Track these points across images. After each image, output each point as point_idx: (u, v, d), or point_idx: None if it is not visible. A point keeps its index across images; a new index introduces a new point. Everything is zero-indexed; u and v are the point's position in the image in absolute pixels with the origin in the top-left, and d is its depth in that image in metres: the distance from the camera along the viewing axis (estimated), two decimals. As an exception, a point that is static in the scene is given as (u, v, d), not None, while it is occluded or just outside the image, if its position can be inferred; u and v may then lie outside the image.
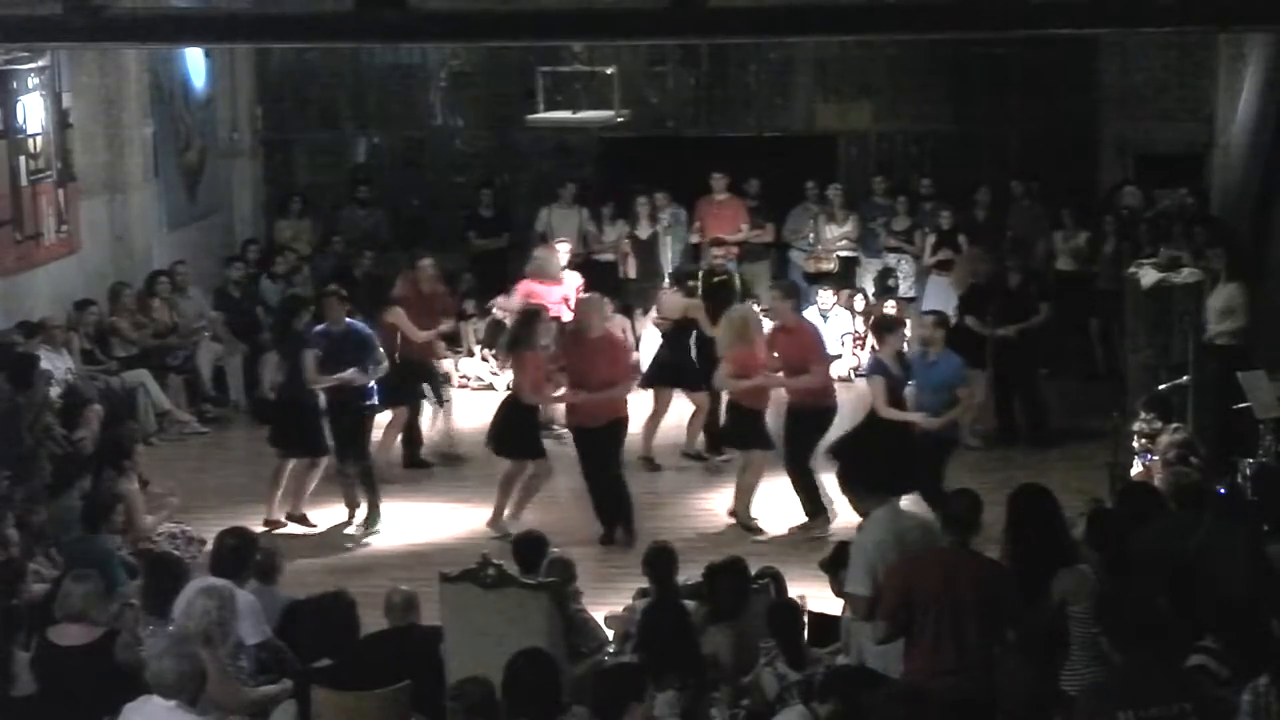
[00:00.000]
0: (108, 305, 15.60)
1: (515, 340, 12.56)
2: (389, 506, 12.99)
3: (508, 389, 13.21)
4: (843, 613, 8.85)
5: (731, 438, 13.11)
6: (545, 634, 8.53)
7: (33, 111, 14.82)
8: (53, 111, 15.18)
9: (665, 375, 14.34)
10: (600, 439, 12.32)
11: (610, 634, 9.28)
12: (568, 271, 15.54)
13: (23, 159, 14.63)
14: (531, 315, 12.77)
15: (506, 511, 12.37)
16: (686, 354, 14.23)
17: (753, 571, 9.39)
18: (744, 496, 12.65)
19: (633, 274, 17.56)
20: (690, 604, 8.92)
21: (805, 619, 8.95)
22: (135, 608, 8.79)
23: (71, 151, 15.56)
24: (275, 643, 8.48)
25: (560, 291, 14.99)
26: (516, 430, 12.41)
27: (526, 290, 14.87)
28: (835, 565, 8.77)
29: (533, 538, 9.77)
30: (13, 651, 8.27)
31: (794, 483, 12.53)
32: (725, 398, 13.25)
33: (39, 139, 14.94)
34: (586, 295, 13.64)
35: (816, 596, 9.47)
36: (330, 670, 7.90)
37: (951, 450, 12.38)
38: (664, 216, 17.61)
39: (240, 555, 8.79)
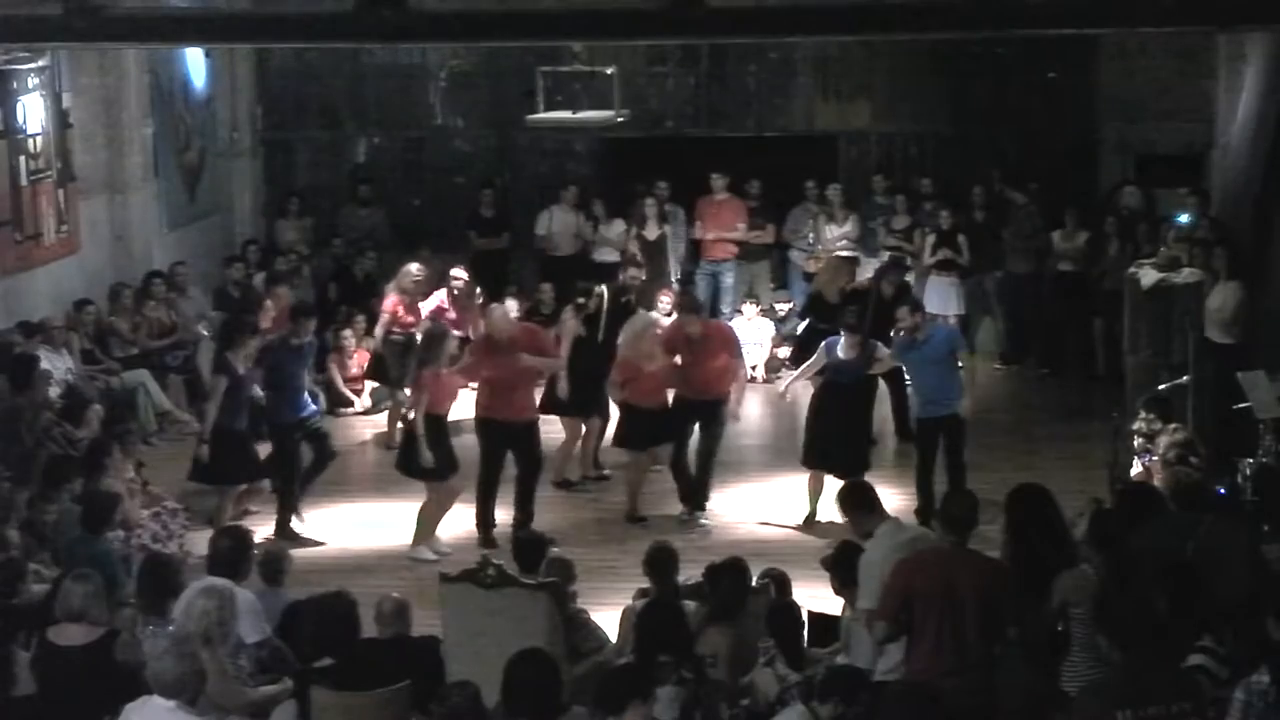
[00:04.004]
0: (107, 305, 15.61)
1: (422, 361, 12.33)
2: (391, 506, 13.03)
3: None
4: (843, 613, 8.86)
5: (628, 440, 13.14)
6: (545, 634, 8.54)
7: (33, 111, 14.83)
8: (53, 111, 15.18)
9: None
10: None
11: (617, 630, 9.25)
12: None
13: (23, 159, 14.64)
14: (438, 336, 12.67)
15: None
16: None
17: (756, 572, 9.40)
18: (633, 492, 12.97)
19: (641, 276, 17.52)
20: (690, 604, 8.92)
21: (805, 619, 8.97)
22: (135, 608, 8.79)
23: (71, 151, 15.57)
24: (275, 642, 8.47)
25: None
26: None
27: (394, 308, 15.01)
28: (837, 564, 8.78)
29: (533, 538, 9.77)
30: (13, 651, 8.27)
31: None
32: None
33: (39, 139, 14.94)
34: (491, 307, 13.43)
35: (817, 597, 9.48)
36: (330, 670, 7.90)
37: (960, 428, 12.49)
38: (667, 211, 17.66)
39: (236, 555, 8.78)
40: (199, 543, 10.75)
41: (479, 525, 12.46)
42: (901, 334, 12.54)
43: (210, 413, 12.28)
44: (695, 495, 12.97)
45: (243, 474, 12.49)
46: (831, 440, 12.51)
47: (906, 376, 13.34)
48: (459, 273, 15.32)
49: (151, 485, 12.32)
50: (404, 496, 13.26)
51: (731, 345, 13.17)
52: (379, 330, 15.14)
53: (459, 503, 12.49)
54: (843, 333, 12.74)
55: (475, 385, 12.79)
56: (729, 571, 9.02)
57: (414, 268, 15.24)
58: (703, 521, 12.86)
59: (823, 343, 12.98)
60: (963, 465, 12.38)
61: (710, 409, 12.90)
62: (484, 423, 12.59)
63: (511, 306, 14.51)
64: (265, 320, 14.18)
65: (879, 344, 12.77)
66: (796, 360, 14.78)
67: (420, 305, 15.00)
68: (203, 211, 18.35)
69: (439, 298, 15.12)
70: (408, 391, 12.67)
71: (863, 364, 12.65)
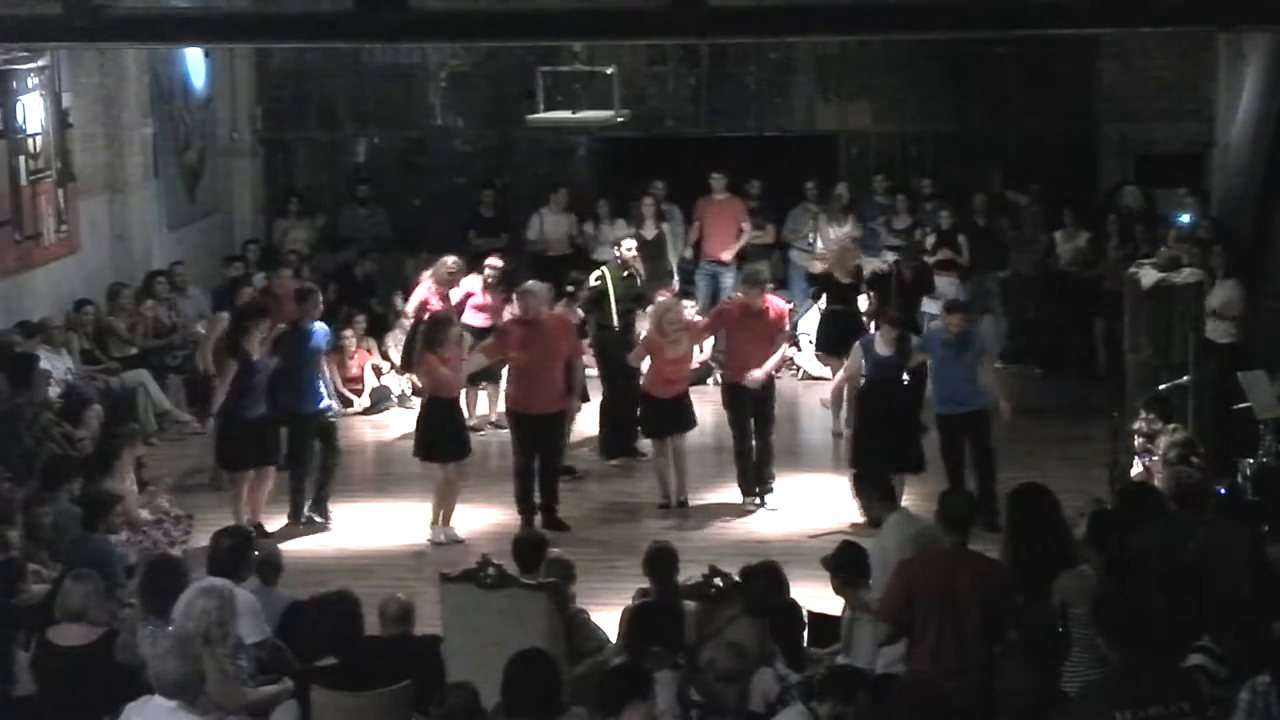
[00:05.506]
0: (106, 305, 15.61)
1: (427, 343, 12.53)
2: (391, 506, 13.01)
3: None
4: (843, 613, 8.85)
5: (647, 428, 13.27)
6: (545, 634, 8.53)
7: (33, 111, 14.83)
8: (53, 111, 15.18)
9: None
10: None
11: (617, 630, 9.23)
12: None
13: (23, 159, 14.64)
14: (442, 320, 12.79)
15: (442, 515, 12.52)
16: None
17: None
18: (679, 479, 13.00)
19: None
20: (690, 604, 8.90)
21: (805, 619, 8.96)
22: (135, 608, 8.79)
23: (71, 151, 15.57)
24: (275, 642, 8.47)
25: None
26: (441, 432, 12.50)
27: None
28: (837, 564, 8.77)
29: (533, 538, 9.77)
30: (13, 651, 8.27)
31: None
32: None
33: (39, 139, 14.94)
34: (528, 284, 13.34)
35: (817, 597, 9.47)
36: (330, 670, 7.90)
37: (986, 423, 12.43)
38: (664, 210, 17.65)
39: (237, 555, 8.79)
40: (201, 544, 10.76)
41: (521, 509, 12.55)
42: (944, 330, 12.44)
43: (219, 395, 12.30)
44: (761, 481, 13.02)
45: (254, 459, 12.45)
46: (884, 440, 12.17)
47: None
48: (495, 261, 15.53)
49: (151, 486, 12.32)
50: (404, 496, 13.28)
51: (784, 321, 13.31)
52: (410, 308, 15.30)
53: (462, 503, 12.54)
54: (881, 327, 12.66)
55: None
56: (764, 573, 8.94)
57: (450, 260, 15.44)
58: (769, 506, 12.97)
59: (857, 343, 12.86)
60: (993, 468, 12.26)
61: (762, 391, 12.92)
62: (512, 415, 12.79)
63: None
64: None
65: (914, 336, 12.70)
66: (822, 344, 14.70)
67: (450, 295, 15.16)
68: (203, 211, 18.36)
69: (467, 286, 15.28)
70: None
71: (902, 358, 12.43)
